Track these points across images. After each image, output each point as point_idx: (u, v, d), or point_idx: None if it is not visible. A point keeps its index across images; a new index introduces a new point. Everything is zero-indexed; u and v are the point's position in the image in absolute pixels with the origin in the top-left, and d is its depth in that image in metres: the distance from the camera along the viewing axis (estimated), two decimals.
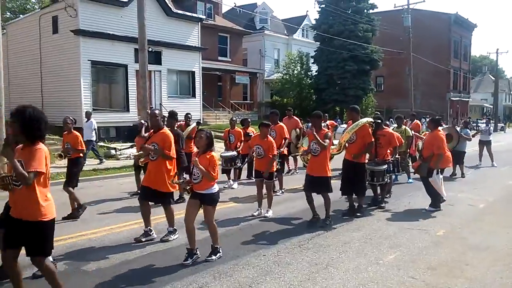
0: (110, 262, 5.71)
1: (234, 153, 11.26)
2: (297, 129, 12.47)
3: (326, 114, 17.20)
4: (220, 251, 5.90)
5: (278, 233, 7.12)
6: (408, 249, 6.34)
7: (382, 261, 5.81)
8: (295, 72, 34.66)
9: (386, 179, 8.90)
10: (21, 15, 30.73)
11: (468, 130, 14.38)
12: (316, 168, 7.43)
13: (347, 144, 8.30)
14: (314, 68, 35.61)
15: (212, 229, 5.87)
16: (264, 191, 8.30)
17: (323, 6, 34.17)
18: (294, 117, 13.19)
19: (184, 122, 11.37)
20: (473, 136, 15.16)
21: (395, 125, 12.30)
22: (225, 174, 11.27)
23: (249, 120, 12.73)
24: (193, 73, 24.60)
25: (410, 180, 12.08)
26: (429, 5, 51.14)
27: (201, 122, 17.17)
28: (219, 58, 32.98)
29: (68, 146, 8.01)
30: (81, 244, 6.52)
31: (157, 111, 6.89)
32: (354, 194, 8.31)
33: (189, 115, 12.10)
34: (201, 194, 5.70)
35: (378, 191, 9.13)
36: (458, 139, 12.74)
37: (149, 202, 6.68)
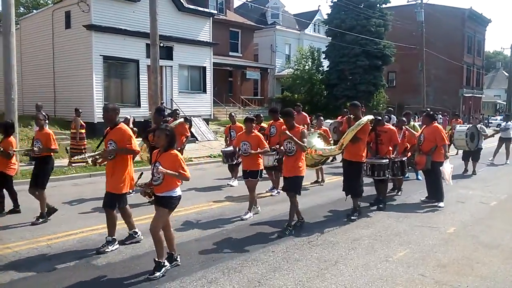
0: (120, 257, 5.76)
1: (232, 148, 10.62)
2: (304, 125, 12.42)
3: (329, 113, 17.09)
4: (166, 264, 5.17)
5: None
6: (418, 247, 6.31)
7: (391, 258, 5.79)
8: (306, 67, 34.51)
9: (387, 175, 8.52)
10: (34, 10, 30.98)
11: (483, 126, 14.39)
12: (291, 168, 6.93)
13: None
14: (325, 63, 35.43)
15: (156, 238, 5.14)
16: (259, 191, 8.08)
17: (335, 0, 33.95)
18: (303, 113, 13.17)
19: (172, 119, 10.99)
20: (493, 135, 15.09)
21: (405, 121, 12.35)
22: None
23: (261, 116, 12.65)
24: (204, 68, 24.62)
25: (419, 178, 11.97)
26: (442, 0, 51.10)
27: (190, 118, 16.56)
28: (230, 53, 32.97)
29: (38, 144, 7.39)
30: (91, 238, 6.58)
31: (110, 106, 6.19)
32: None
33: (177, 111, 11.78)
34: (159, 196, 5.19)
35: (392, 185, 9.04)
36: (479, 138, 12.76)
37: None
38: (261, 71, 34.93)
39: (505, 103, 64.14)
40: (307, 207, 8.49)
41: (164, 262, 5.14)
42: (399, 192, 10.08)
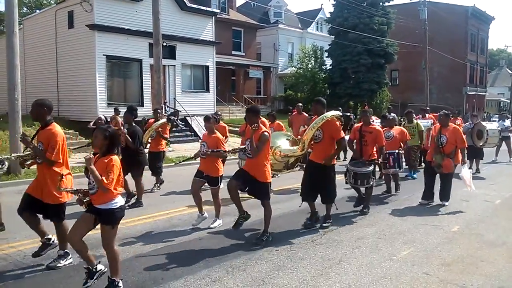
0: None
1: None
2: (305, 126, 12.32)
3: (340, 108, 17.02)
4: (121, 284, 4.62)
5: (291, 228, 7.10)
6: (422, 245, 6.30)
7: (395, 257, 5.78)
8: (309, 66, 34.46)
9: (372, 182, 7.93)
10: (37, 10, 31.04)
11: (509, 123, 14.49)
12: (254, 172, 6.25)
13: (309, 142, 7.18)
14: (328, 62, 35.37)
15: (111, 256, 4.56)
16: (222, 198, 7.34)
17: None
18: (304, 113, 13.09)
19: (153, 120, 10.61)
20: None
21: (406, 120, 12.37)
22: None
23: (274, 113, 12.45)
24: (207, 67, 24.62)
25: (415, 175, 12.01)
26: None
27: (173, 118, 16.06)
28: (233, 52, 32.95)
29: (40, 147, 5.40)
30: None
31: (38, 100, 5.32)
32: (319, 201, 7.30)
33: (158, 109, 11.23)
34: (97, 209, 4.50)
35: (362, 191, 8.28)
36: (487, 135, 12.75)
37: (37, 214, 5.43)
38: (264, 70, 34.90)
39: (508, 101, 63.92)
40: (306, 206, 8.45)
41: (119, 282, 4.57)
42: (397, 191, 9.98)
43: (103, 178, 4.29)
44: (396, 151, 9.30)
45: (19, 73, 12.22)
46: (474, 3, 53.45)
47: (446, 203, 8.63)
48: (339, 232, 6.95)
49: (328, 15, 36.76)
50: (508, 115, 30.10)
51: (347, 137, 8.28)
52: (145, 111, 20.27)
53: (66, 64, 20.99)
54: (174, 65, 22.87)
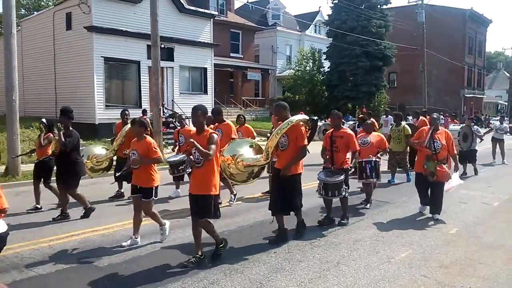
0: (122, 258, 5.75)
1: (182, 156, 8.91)
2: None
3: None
4: None
5: (289, 230, 7.08)
6: (420, 247, 6.30)
7: (393, 259, 5.78)
8: (307, 68, 34.52)
9: (343, 193, 7.18)
10: (35, 12, 31.00)
11: (477, 127, 14.15)
12: (197, 183, 5.46)
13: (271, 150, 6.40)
14: (326, 64, 35.42)
15: None
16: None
17: (336, 1, 33.92)
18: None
19: (121, 121, 9.81)
20: (485, 133, 14.89)
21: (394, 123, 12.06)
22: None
23: (243, 116, 11.91)
24: (205, 69, 24.63)
25: (394, 180, 11.53)
26: (443, 0, 51.01)
27: (146, 121, 15.04)
28: (231, 54, 32.99)
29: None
30: (93, 239, 6.58)
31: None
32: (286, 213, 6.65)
33: (126, 111, 9.96)
34: None
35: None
36: (473, 139, 12.59)
37: None
38: (262, 72, 34.95)
39: (506, 103, 64.11)
40: (306, 208, 8.44)
41: None
42: (368, 205, 8.86)
43: None
44: (374, 159, 8.43)
45: (17, 74, 12.22)
46: (472, 6, 53.74)
47: (438, 216, 7.83)
48: (337, 234, 6.94)
49: (326, 18, 36.85)
50: (506, 118, 30.09)
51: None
52: (184, 114, 20.32)
53: (64, 66, 20.98)
54: (172, 67, 22.87)
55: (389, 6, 35.88)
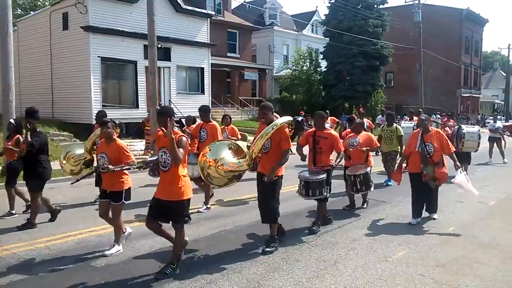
0: (119, 258, 5.74)
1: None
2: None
3: (328, 111, 16.92)
4: None
5: (286, 230, 7.07)
6: (417, 246, 6.31)
7: (390, 258, 5.79)
8: (304, 68, 34.52)
9: (325, 193, 6.85)
10: (31, 12, 30.91)
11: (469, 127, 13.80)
12: (166, 189, 5.11)
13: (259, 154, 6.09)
14: (323, 64, 35.44)
15: None
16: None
17: (333, 1, 33.94)
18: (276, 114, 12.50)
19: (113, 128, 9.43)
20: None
21: (386, 123, 11.58)
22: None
23: (228, 115, 11.66)
24: (202, 69, 24.61)
25: (390, 183, 11.07)
26: (440, 0, 51.20)
27: (119, 122, 14.24)
28: (228, 54, 32.95)
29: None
30: (90, 240, 6.57)
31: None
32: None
33: (100, 113, 9.48)
34: None
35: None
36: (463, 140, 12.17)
37: None
38: (259, 72, 34.93)
39: (503, 103, 64.31)
40: (303, 207, 8.47)
41: None
42: (365, 204, 8.79)
43: None
44: (363, 172, 8.10)
45: (13, 75, 12.18)
46: (468, 6, 53.88)
47: (435, 216, 7.80)
48: (334, 234, 6.95)
49: (323, 17, 36.84)
50: (503, 117, 30.22)
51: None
52: (140, 113, 20.29)
53: (61, 66, 20.93)
54: (169, 67, 22.83)
55: (385, 5, 35.90)
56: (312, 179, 6.75)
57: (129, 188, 6.06)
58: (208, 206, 8.43)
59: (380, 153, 11.48)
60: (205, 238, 6.67)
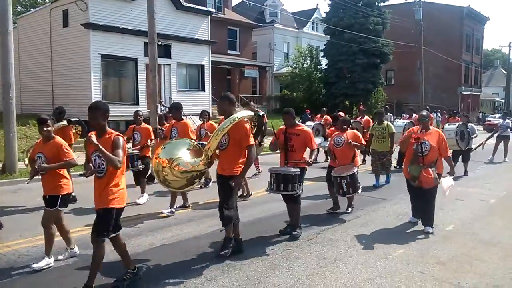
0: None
1: (134, 152, 8.64)
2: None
3: (324, 109, 16.85)
4: None
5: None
6: (417, 244, 6.32)
7: (391, 256, 5.80)
8: (305, 65, 34.52)
9: (298, 190, 6.36)
10: (31, 9, 30.89)
11: (473, 126, 13.78)
12: (98, 196, 4.63)
13: (217, 152, 5.69)
14: (324, 61, 35.43)
15: None
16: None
17: None
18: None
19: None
20: (489, 138, 14.52)
21: (376, 121, 11.08)
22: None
23: (207, 111, 11.32)
24: (202, 66, 24.62)
25: (379, 184, 10.79)
26: None
27: (76, 119, 12.90)
28: (229, 51, 32.92)
29: None
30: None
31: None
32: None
33: (58, 110, 9.06)
34: None
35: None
36: (469, 139, 12.07)
37: None
38: (259, 70, 34.91)
39: (503, 101, 64.25)
40: (304, 205, 8.47)
41: None
42: (349, 209, 8.22)
43: None
44: (350, 173, 7.65)
45: (14, 72, 12.18)
46: (469, 4, 53.76)
47: (431, 230, 6.88)
48: (334, 231, 6.95)
49: (324, 15, 36.86)
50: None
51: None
52: (140, 110, 20.21)
53: (61, 63, 20.92)
54: (170, 64, 22.84)
55: (386, 3, 35.90)
56: (284, 171, 6.32)
57: (68, 194, 5.53)
58: (172, 210, 7.82)
59: (370, 154, 11.18)
60: (205, 236, 6.66)
